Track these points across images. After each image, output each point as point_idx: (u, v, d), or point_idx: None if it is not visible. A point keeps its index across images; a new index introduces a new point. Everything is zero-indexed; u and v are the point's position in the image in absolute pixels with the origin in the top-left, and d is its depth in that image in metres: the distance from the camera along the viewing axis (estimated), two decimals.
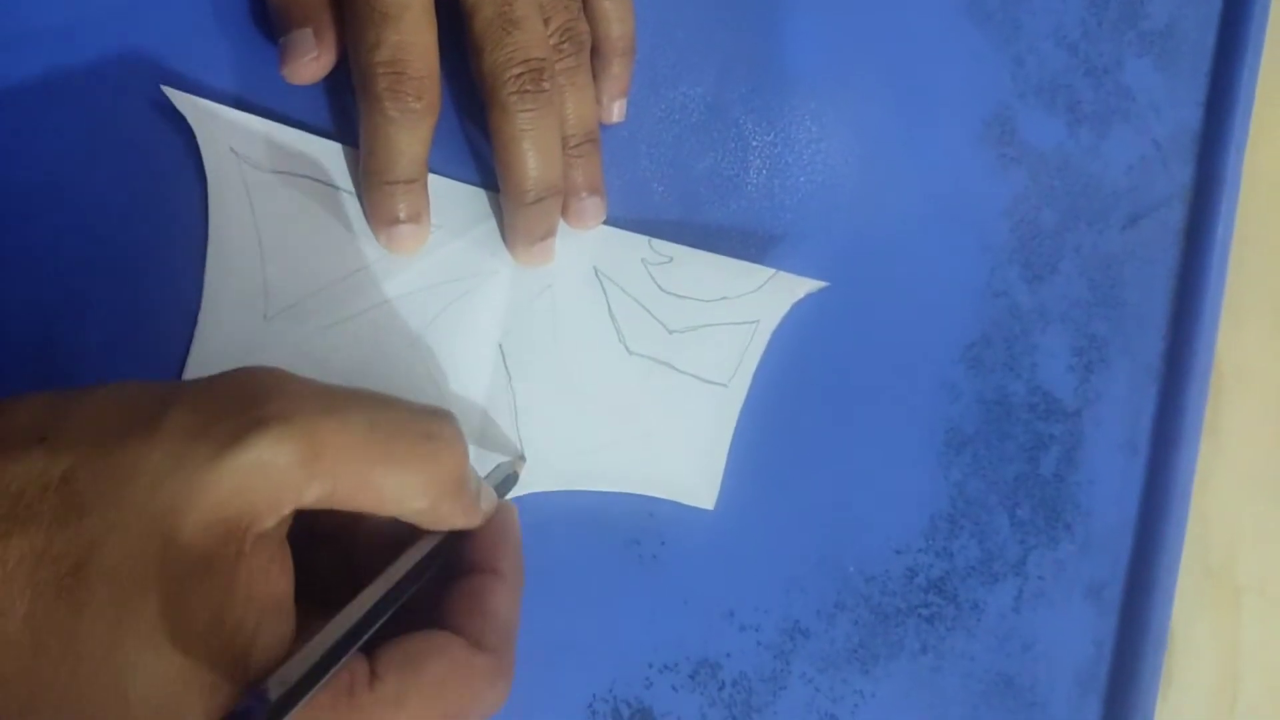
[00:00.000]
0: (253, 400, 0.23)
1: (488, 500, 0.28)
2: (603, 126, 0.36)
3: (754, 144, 0.38)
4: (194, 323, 0.32)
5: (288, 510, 0.23)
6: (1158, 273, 0.43)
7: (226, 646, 0.21)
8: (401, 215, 0.32)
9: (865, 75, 0.39)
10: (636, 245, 0.36)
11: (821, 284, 0.37)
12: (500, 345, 0.35)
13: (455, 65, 0.33)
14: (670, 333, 0.36)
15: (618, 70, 0.35)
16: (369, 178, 0.32)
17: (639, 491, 0.36)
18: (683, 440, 0.36)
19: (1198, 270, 0.42)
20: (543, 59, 0.32)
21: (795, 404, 0.38)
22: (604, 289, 0.36)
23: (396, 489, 0.24)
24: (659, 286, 0.36)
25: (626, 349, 0.36)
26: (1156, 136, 0.43)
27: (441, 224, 0.34)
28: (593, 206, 0.35)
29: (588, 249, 0.36)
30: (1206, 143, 0.43)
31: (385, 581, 0.25)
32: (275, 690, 0.21)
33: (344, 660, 0.22)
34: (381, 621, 0.24)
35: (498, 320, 0.35)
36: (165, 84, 0.32)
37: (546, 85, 0.32)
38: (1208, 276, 0.42)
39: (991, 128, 0.40)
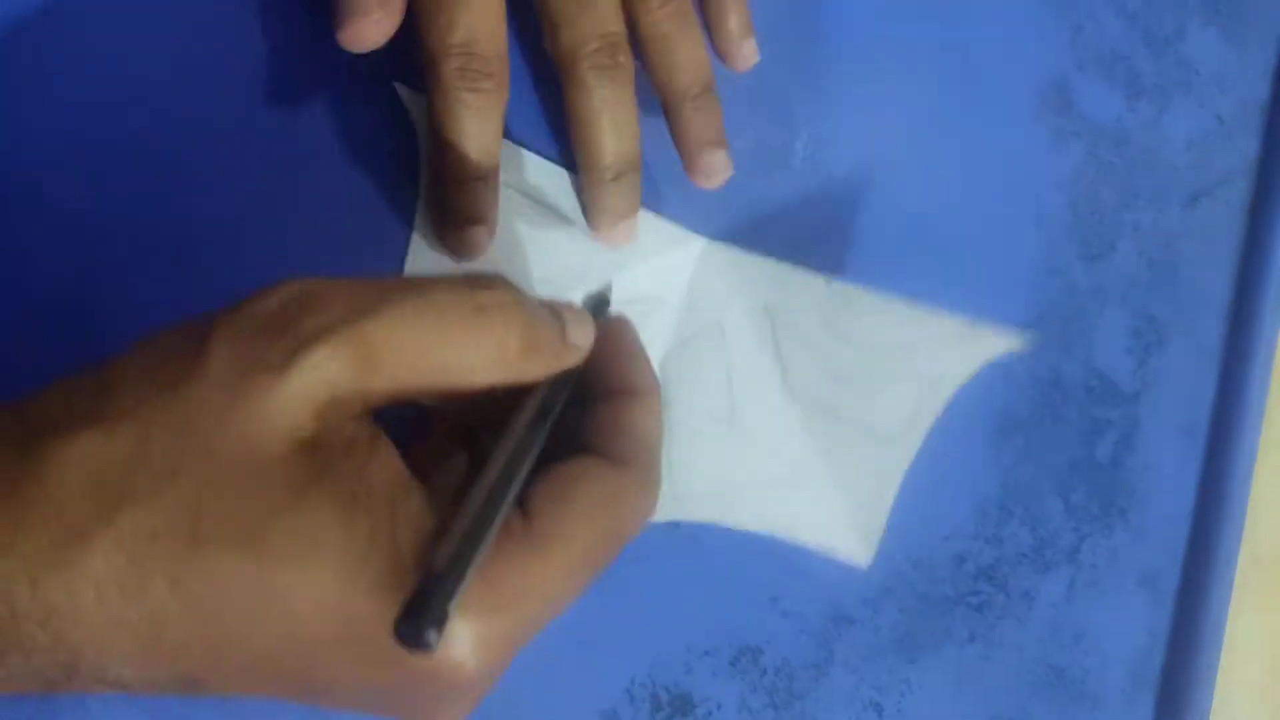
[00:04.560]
0: (292, 318, 0.22)
1: (583, 331, 0.28)
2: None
3: (800, 116, 0.37)
4: None
5: (362, 413, 0.23)
6: (1220, 252, 0.41)
7: (370, 539, 0.22)
8: (471, 216, 0.32)
9: (916, 43, 0.38)
10: (813, 285, 0.35)
11: (1024, 342, 0.34)
12: (660, 369, 0.34)
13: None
14: (838, 380, 0.35)
15: (734, 8, 0.34)
16: (440, 171, 0.32)
17: (784, 536, 0.35)
18: (840, 492, 0.35)
19: (1261, 250, 0.41)
20: (618, 32, 0.32)
21: None
22: (774, 327, 0.35)
23: (463, 367, 0.24)
24: (832, 330, 0.35)
25: (790, 391, 0.35)
26: (1220, 110, 0.41)
27: (632, 248, 0.34)
28: (720, 161, 0.34)
29: (762, 286, 0.35)
30: (1274, 116, 0.41)
31: (513, 434, 0.25)
32: (441, 561, 0.21)
33: (501, 514, 0.23)
34: (525, 469, 0.24)
35: (662, 345, 0.34)
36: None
37: (622, 59, 0.32)
38: (1272, 256, 0.41)
39: (1048, 100, 0.39)
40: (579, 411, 0.27)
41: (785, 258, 0.36)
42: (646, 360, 0.29)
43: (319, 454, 0.22)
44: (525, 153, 0.34)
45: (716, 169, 0.34)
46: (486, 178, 0.32)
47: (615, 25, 0.32)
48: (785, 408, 0.35)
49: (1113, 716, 0.38)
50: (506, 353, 0.25)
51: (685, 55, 0.33)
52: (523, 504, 0.24)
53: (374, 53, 0.31)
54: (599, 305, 0.32)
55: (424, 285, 0.25)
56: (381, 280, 0.24)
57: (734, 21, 0.34)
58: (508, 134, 0.34)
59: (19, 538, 0.20)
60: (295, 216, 0.33)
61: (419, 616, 0.20)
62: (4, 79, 0.31)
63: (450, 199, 0.32)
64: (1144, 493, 0.39)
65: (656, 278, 0.35)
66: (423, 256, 0.33)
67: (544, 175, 0.34)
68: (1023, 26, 0.39)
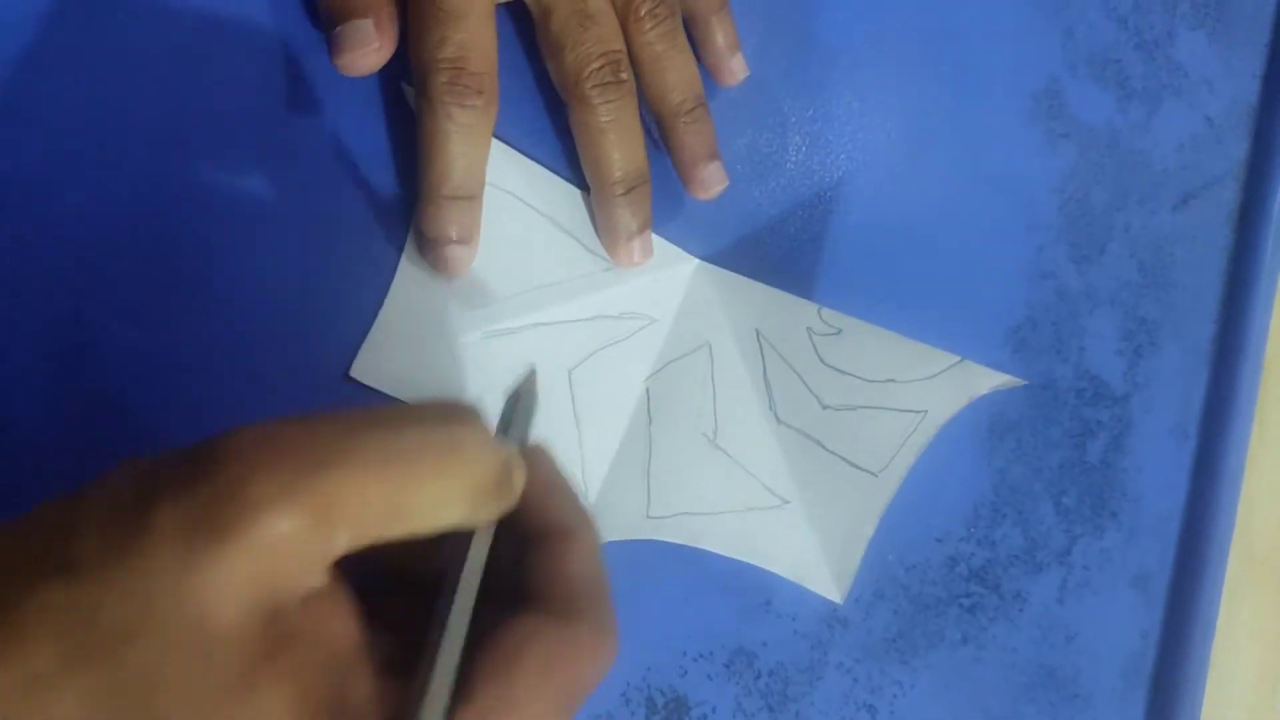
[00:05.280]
0: (243, 475, 0.21)
1: (520, 472, 0.26)
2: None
3: (793, 120, 0.37)
4: (383, 296, 0.32)
5: (321, 568, 0.22)
6: (1210, 254, 0.41)
7: (323, 716, 0.21)
8: (454, 235, 0.32)
9: (909, 47, 0.38)
10: (804, 312, 0.34)
11: (1016, 381, 0.33)
12: (648, 387, 0.34)
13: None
14: (824, 408, 0.35)
15: (720, 25, 0.34)
16: (426, 190, 0.31)
17: (759, 564, 0.35)
18: (818, 525, 0.35)
19: (1251, 251, 0.41)
20: (620, 51, 0.32)
21: None
22: (763, 353, 0.35)
23: (428, 509, 0.23)
24: (820, 358, 0.34)
25: (776, 417, 0.35)
26: (1210, 112, 0.42)
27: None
28: (715, 172, 0.34)
29: (753, 310, 0.35)
30: (1263, 118, 0.42)
31: (459, 597, 0.23)
32: None
33: (452, 692, 0.22)
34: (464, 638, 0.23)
35: (651, 362, 0.35)
36: None
37: (624, 76, 0.32)
38: (1261, 257, 0.41)
39: (1040, 102, 0.39)
40: (508, 555, 0.25)
41: (778, 263, 0.36)
42: (574, 493, 0.27)
43: (275, 620, 0.21)
44: (535, 165, 0.34)
45: (712, 181, 0.34)
46: (471, 197, 0.32)
47: (617, 44, 0.32)
48: (769, 434, 0.35)
49: (1105, 716, 0.38)
50: (473, 494, 0.23)
51: (677, 73, 0.33)
52: (460, 674, 0.22)
53: None
54: (525, 411, 0.28)
55: (392, 422, 0.23)
56: (342, 418, 0.22)
57: (722, 38, 0.34)
58: (521, 151, 0.34)
59: None
60: (293, 219, 0.33)
61: None
62: (4, 78, 0.31)
63: (434, 217, 0.31)
64: (1135, 494, 0.39)
65: (648, 295, 0.35)
66: (412, 273, 0.33)
67: (551, 188, 0.34)
68: (1014, 30, 0.39)
